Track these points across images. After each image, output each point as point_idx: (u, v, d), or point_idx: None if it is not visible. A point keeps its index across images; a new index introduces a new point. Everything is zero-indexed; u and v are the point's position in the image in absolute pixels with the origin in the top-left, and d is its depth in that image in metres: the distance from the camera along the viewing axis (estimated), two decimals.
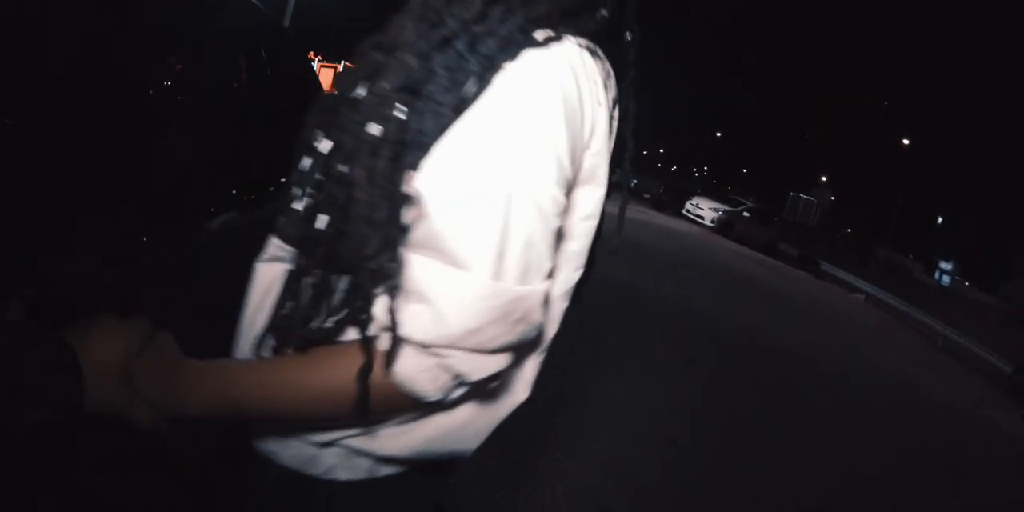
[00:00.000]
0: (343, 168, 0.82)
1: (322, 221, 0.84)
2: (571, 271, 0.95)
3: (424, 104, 0.79)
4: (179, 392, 0.81)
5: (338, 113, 0.86)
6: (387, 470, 0.93)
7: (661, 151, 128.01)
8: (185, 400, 0.81)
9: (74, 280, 1.52)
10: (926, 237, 56.63)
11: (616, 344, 5.59)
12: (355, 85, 0.88)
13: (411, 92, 0.80)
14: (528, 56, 0.80)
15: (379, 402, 0.80)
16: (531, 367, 0.96)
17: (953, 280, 48.27)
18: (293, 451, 0.90)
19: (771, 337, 7.74)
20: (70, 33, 1.64)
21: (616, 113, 0.92)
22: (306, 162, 0.93)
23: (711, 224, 24.32)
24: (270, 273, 0.92)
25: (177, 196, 2.02)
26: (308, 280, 0.84)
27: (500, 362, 0.81)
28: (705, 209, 25.20)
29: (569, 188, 0.84)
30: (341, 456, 0.90)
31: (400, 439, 0.89)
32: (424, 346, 0.76)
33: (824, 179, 73.17)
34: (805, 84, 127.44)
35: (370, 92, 0.84)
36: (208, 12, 2.33)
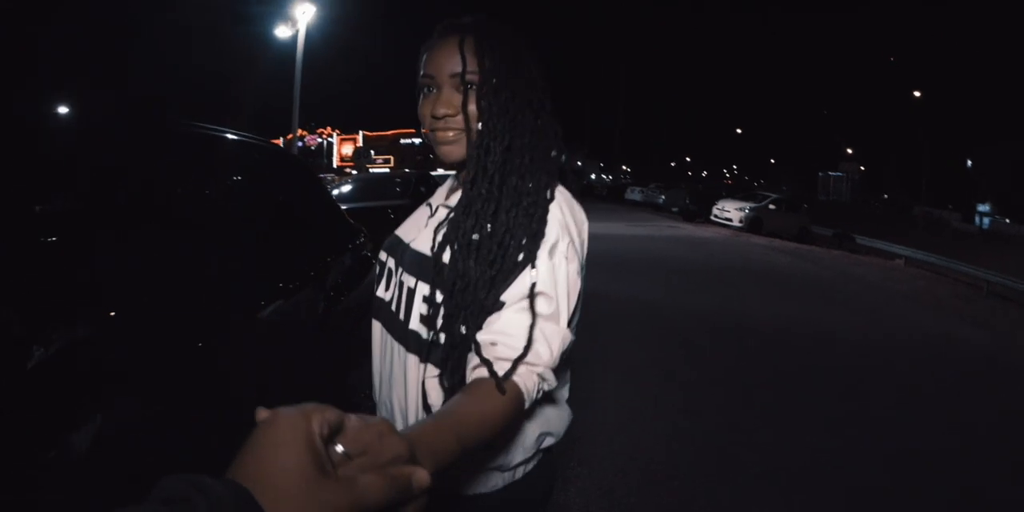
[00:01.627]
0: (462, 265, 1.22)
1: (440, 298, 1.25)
2: (579, 309, 1.33)
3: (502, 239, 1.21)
4: (436, 458, 0.88)
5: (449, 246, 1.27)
6: (514, 477, 1.32)
7: (688, 159, 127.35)
8: (441, 462, 0.90)
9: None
10: (960, 184, 54.96)
11: (635, 356, 5.99)
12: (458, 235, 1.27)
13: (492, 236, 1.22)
14: (553, 205, 1.25)
15: (517, 411, 1.11)
16: (567, 371, 1.40)
17: (993, 221, 46.82)
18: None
19: (791, 324, 7.91)
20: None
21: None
22: (390, 263, 1.43)
23: (740, 224, 24.19)
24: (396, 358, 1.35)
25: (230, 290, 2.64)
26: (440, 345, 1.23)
27: (552, 383, 1.16)
28: (731, 210, 25.17)
29: (583, 269, 1.28)
30: (478, 475, 1.28)
31: (517, 448, 1.29)
32: (536, 366, 1.13)
33: (850, 151, 72.08)
34: (808, 59, 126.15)
35: (478, 237, 1.24)
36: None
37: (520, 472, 1.34)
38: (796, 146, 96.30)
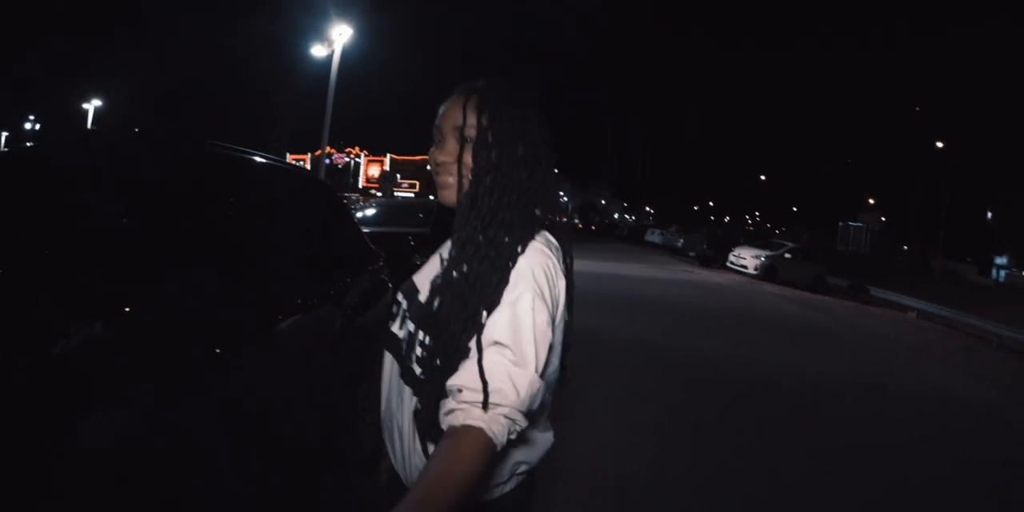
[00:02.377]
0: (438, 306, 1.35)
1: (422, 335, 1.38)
2: (554, 357, 1.43)
3: (475, 284, 1.32)
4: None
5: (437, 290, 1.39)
6: (491, 496, 1.45)
7: (711, 204, 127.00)
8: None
9: None
10: (979, 236, 54.29)
11: (632, 391, 6.08)
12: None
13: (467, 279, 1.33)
14: (523, 259, 1.35)
15: (487, 455, 1.19)
16: (544, 413, 1.51)
17: (1009, 274, 45.89)
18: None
19: (790, 373, 7.95)
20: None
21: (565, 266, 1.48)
22: (404, 305, 1.53)
23: (755, 272, 24.16)
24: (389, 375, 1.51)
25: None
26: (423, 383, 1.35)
27: (523, 424, 1.25)
28: (747, 258, 25.14)
29: (554, 320, 1.35)
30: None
31: (492, 475, 1.41)
32: (503, 407, 1.21)
33: (871, 202, 71.68)
34: (834, 107, 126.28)
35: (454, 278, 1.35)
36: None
37: (496, 492, 1.46)
38: (818, 195, 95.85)
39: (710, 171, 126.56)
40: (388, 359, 1.55)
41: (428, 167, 1.57)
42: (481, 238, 1.37)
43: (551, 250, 1.44)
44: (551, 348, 1.35)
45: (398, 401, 1.47)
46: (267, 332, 2.79)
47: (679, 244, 35.60)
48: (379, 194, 50.35)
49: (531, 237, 1.41)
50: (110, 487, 1.84)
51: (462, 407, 1.21)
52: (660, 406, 5.93)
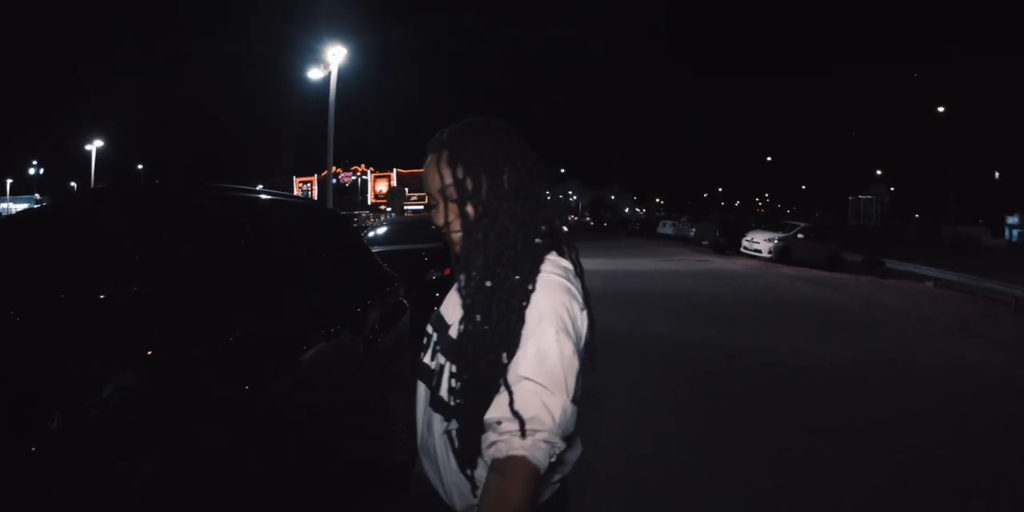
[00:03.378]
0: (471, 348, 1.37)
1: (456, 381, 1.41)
2: (579, 384, 1.40)
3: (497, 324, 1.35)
4: None
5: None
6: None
7: (720, 190, 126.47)
8: None
9: None
10: (989, 198, 53.49)
11: (642, 391, 6.13)
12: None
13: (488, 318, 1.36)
14: (542, 296, 1.36)
15: (534, 480, 1.24)
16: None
17: (1021, 233, 45.94)
18: None
19: (804, 357, 7.89)
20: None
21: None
22: (435, 337, 1.55)
23: (769, 255, 24.02)
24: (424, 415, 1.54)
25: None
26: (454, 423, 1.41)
27: (561, 446, 1.29)
28: (761, 242, 24.98)
29: (579, 352, 1.35)
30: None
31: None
32: (543, 431, 1.25)
33: (879, 173, 70.94)
34: (834, 81, 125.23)
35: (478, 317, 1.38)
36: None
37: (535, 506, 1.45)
38: (826, 171, 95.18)
39: (717, 157, 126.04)
40: (421, 388, 1.59)
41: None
42: (489, 283, 1.40)
43: (568, 277, 1.45)
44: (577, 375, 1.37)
45: (429, 427, 1.53)
46: (291, 365, 2.87)
47: (691, 234, 35.42)
48: (389, 209, 50.20)
49: (538, 269, 1.42)
50: None
51: (503, 438, 1.25)
52: (676, 403, 5.94)
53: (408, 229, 11.38)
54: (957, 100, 57.04)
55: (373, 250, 5.30)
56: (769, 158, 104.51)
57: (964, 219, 48.53)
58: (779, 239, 24.68)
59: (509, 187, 1.46)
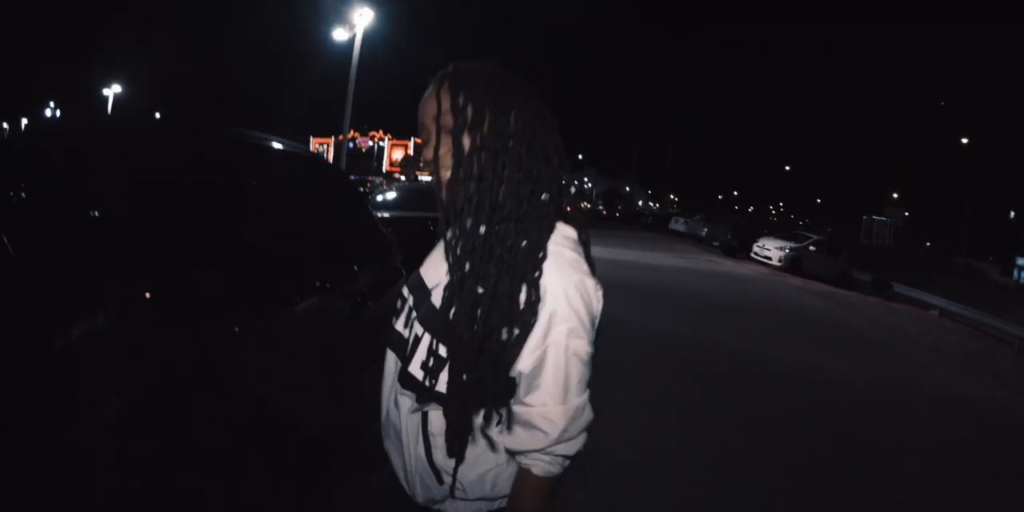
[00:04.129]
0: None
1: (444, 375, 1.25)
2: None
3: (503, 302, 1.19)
4: None
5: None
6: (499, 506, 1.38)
7: (735, 193, 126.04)
8: None
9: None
10: (1003, 236, 53.02)
11: (648, 389, 5.94)
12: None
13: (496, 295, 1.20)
14: (555, 275, 1.21)
15: (549, 485, 1.26)
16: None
17: None
18: None
19: (813, 370, 7.76)
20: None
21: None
22: (410, 302, 1.40)
23: (779, 263, 23.74)
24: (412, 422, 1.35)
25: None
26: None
27: (583, 440, 1.26)
28: (771, 249, 24.69)
29: (593, 337, 1.25)
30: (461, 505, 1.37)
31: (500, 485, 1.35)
32: (542, 450, 1.22)
33: (895, 196, 70.65)
34: (861, 100, 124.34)
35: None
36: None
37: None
38: (843, 187, 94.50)
39: (735, 160, 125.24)
40: (391, 358, 1.42)
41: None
42: (490, 238, 1.23)
43: (577, 251, 1.30)
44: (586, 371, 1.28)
45: (396, 404, 1.37)
46: (271, 318, 2.71)
47: (703, 233, 35.32)
48: (403, 178, 50.04)
49: (548, 236, 1.25)
50: (110, 481, 1.80)
51: (518, 455, 1.28)
52: (683, 403, 5.81)
53: (416, 196, 11.06)
54: (981, 134, 56.21)
55: (378, 215, 5.09)
56: (788, 167, 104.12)
57: (975, 254, 48.16)
58: (791, 249, 24.40)
59: (515, 130, 1.26)
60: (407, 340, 1.35)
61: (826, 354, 9.01)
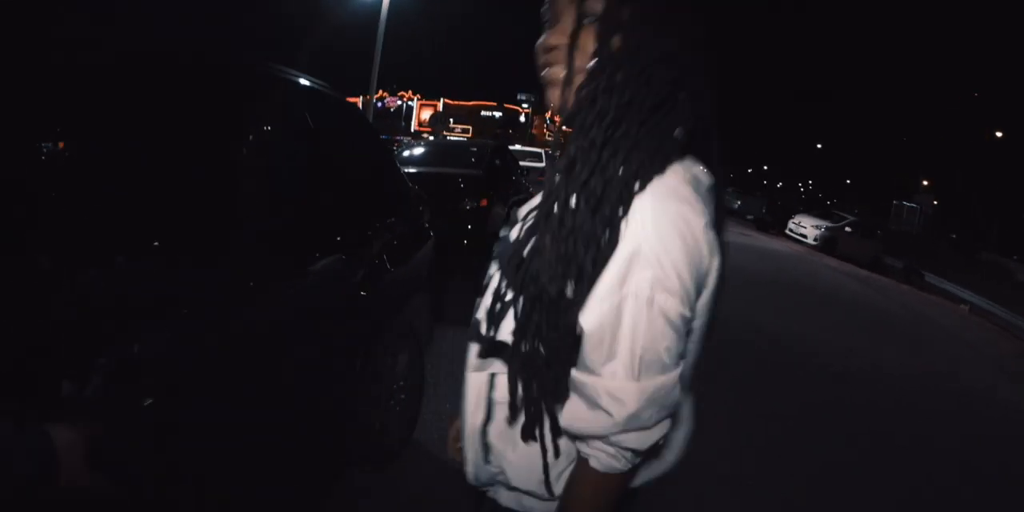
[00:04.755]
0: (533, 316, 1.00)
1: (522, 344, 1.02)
2: (696, 344, 1.10)
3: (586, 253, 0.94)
4: None
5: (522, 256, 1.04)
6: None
7: (765, 168, 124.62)
8: None
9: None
10: None
11: (712, 389, 5.61)
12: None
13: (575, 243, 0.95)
14: (647, 206, 0.94)
15: (610, 485, 1.04)
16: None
17: None
18: None
19: (845, 354, 7.54)
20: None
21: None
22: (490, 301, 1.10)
23: (814, 242, 23.30)
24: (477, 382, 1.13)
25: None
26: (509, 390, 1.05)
27: (660, 431, 1.01)
28: (807, 227, 24.21)
29: (693, 297, 0.97)
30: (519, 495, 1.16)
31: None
32: (603, 437, 1.00)
33: (925, 183, 69.46)
34: (896, 84, 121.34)
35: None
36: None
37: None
38: (872, 171, 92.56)
39: (767, 134, 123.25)
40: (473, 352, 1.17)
41: (539, 65, 1.09)
42: (596, 159, 0.96)
43: (698, 191, 1.01)
44: (691, 334, 1.05)
45: (466, 363, 1.16)
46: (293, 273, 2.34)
47: (736, 206, 34.61)
48: (431, 137, 49.66)
49: (660, 169, 0.98)
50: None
51: (578, 442, 1.05)
52: (737, 396, 5.61)
53: (447, 152, 10.55)
54: (1016, 128, 54.62)
55: (406, 171, 4.70)
56: (819, 145, 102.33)
57: (1002, 251, 47.32)
58: (827, 228, 23.86)
59: (671, 49, 1.00)
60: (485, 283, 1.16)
61: (865, 342, 8.72)
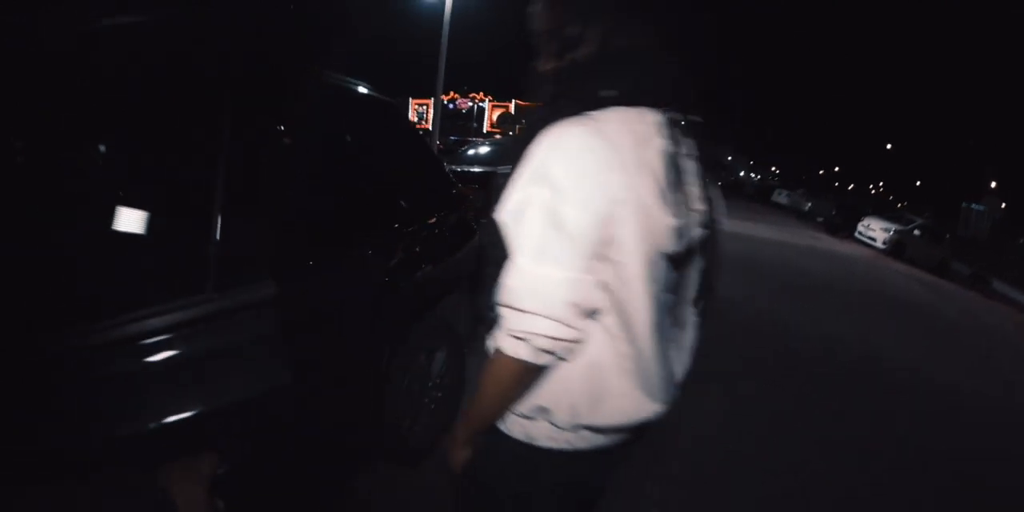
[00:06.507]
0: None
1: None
2: (645, 297, 1.11)
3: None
4: (468, 428, 1.24)
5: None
6: (579, 444, 1.19)
7: (836, 170, 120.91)
8: (473, 429, 1.23)
9: None
10: None
11: (714, 368, 5.61)
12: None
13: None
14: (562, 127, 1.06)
15: (516, 373, 1.08)
16: (618, 340, 1.14)
17: None
18: (517, 429, 1.21)
19: (923, 371, 7.19)
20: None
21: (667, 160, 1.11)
22: None
23: (883, 246, 22.37)
24: None
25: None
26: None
27: (538, 324, 1.03)
28: (876, 230, 23.24)
29: (579, 201, 1.03)
30: (546, 431, 1.19)
31: (563, 410, 1.15)
32: (500, 312, 1.08)
33: (993, 185, 66.23)
34: (965, 84, 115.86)
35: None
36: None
37: (502, 424, 1.24)
38: (940, 172, 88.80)
39: (839, 134, 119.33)
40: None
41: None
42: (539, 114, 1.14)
43: (600, 130, 1.07)
44: (620, 269, 1.09)
45: None
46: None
47: (806, 208, 33.53)
48: (500, 138, 48.86)
49: (570, 113, 1.08)
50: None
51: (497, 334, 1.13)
52: (794, 405, 5.27)
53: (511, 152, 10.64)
54: None
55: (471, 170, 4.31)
56: (889, 146, 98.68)
57: None
58: (896, 231, 22.72)
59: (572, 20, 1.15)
60: None
61: (933, 355, 8.25)
